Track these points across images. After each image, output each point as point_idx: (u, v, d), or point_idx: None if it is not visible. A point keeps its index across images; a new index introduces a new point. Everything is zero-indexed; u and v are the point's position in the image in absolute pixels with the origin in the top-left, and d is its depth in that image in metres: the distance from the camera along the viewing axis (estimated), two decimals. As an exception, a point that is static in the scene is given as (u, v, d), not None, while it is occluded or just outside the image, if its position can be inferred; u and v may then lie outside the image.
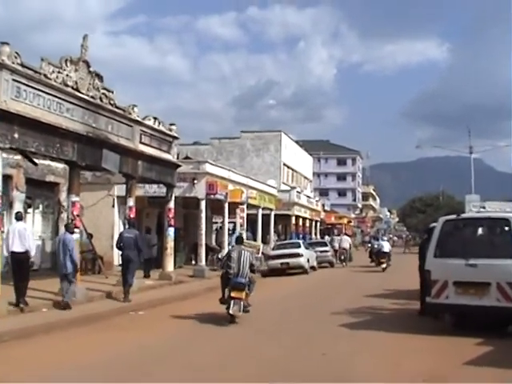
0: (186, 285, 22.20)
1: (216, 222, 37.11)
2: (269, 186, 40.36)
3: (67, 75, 15.71)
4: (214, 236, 36.40)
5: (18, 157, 20.10)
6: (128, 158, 19.08)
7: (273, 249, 31.54)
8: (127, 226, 18.25)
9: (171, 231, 22.64)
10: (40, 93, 14.64)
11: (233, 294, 13.41)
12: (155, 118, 21.19)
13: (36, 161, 21.29)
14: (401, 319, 14.35)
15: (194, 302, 18.04)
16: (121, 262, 17.61)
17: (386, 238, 43.03)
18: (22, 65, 13.97)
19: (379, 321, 13.89)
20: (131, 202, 19.66)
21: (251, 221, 37.17)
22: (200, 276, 24.92)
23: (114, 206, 26.76)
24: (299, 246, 30.68)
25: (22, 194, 20.60)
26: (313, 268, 31.91)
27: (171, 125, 22.78)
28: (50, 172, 22.15)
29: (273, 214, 39.98)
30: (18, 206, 20.34)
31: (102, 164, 17.35)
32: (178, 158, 28.78)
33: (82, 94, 16.40)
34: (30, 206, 21.40)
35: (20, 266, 13.89)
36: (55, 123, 15.04)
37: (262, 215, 37.33)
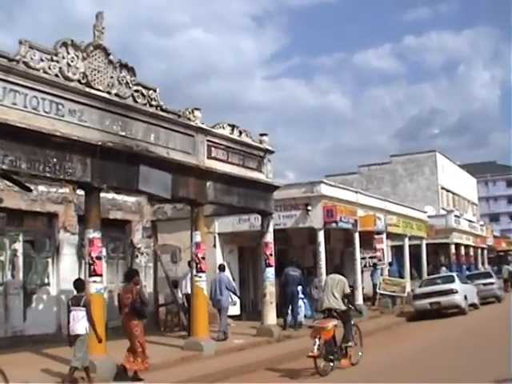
0: (294, 342, 16.65)
1: (364, 258, 30.91)
2: (415, 209, 33.88)
3: (69, 65, 11.30)
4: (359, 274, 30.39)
5: (65, 189, 16.08)
6: (188, 178, 14.26)
7: (420, 285, 25.21)
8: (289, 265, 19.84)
9: (270, 272, 17.51)
10: (17, 88, 10.30)
11: None
12: (233, 126, 16.28)
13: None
14: None
15: (287, 371, 12.61)
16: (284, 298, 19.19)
17: None
18: (-21, 47, 9.75)
19: None
20: (198, 238, 14.85)
21: (399, 253, 31.21)
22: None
23: (215, 246, 22.12)
24: (453, 281, 24.17)
25: (73, 236, 16.43)
26: (473, 306, 25.22)
27: (262, 135, 17.84)
28: (116, 207, 17.87)
29: (424, 243, 33.40)
30: (68, 251, 16.26)
31: (140, 186, 12.63)
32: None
33: (98, 90, 11.90)
34: (88, 251, 17.09)
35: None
36: (47, 130, 10.61)
37: (410, 246, 31.04)
